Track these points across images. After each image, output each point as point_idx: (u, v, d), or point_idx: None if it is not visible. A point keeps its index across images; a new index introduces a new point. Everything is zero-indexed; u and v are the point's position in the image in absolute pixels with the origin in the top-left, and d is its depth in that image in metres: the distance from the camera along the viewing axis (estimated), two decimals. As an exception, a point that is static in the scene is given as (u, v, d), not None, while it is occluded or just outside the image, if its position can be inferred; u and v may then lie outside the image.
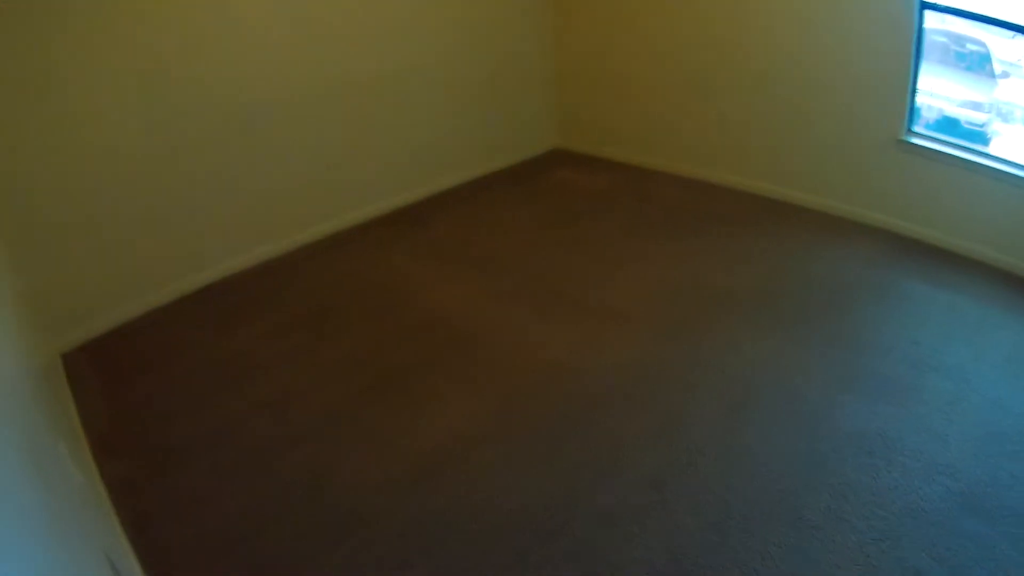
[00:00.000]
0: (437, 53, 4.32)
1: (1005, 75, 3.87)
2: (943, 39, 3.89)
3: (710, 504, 2.32)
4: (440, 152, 4.47)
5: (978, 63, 3.90)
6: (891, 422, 2.65)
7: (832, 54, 3.95)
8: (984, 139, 3.90)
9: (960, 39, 3.91)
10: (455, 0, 4.36)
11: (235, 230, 3.90)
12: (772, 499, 2.32)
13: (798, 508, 2.28)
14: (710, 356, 3.04)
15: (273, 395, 2.96)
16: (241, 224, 3.91)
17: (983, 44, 3.86)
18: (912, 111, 3.82)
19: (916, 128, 3.88)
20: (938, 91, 3.96)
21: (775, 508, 2.29)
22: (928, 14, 3.59)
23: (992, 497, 2.35)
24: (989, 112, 3.92)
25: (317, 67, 3.90)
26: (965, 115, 3.98)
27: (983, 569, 2.12)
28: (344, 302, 3.49)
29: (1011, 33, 3.50)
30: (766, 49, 4.22)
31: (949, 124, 3.98)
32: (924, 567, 2.12)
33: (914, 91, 3.77)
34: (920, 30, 3.62)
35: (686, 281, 3.53)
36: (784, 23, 4.09)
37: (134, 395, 3.08)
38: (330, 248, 3.98)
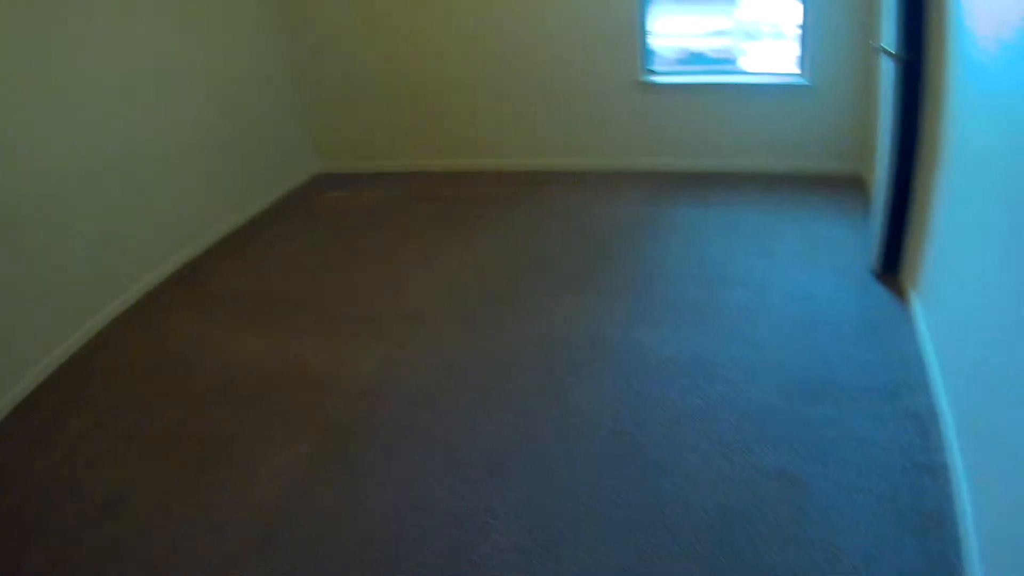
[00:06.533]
0: (168, 110, 3.65)
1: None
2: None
3: (555, 472, 1.99)
4: (201, 205, 3.94)
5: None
6: (699, 341, 2.47)
7: (565, 14, 3.87)
8: (732, 62, 3.96)
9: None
10: (181, 55, 3.72)
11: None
12: (615, 451, 2.05)
13: (638, 448, 2.05)
14: (510, 333, 2.71)
15: (102, 496, 2.16)
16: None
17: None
18: (646, 52, 3.80)
19: (656, 68, 3.87)
20: (681, 30, 3.95)
21: (622, 458, 2.02)
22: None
23: (828, 380, 2.18)
24: (734, 35, 3.98)
25: (63, 140, 3.02)
26: (710, 45, 4.02)
27: (846, 447, 1.93)
28: (145, 382, 2.78)
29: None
30: (502, 33, 4.06)
31: (697, 59, 4.00)
32: (784, 463, 1.90)
33: (645, 32, 3.75)
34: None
35: (473, 270, 3.27)
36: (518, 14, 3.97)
37: None
38: (118, 327, 3.20)
